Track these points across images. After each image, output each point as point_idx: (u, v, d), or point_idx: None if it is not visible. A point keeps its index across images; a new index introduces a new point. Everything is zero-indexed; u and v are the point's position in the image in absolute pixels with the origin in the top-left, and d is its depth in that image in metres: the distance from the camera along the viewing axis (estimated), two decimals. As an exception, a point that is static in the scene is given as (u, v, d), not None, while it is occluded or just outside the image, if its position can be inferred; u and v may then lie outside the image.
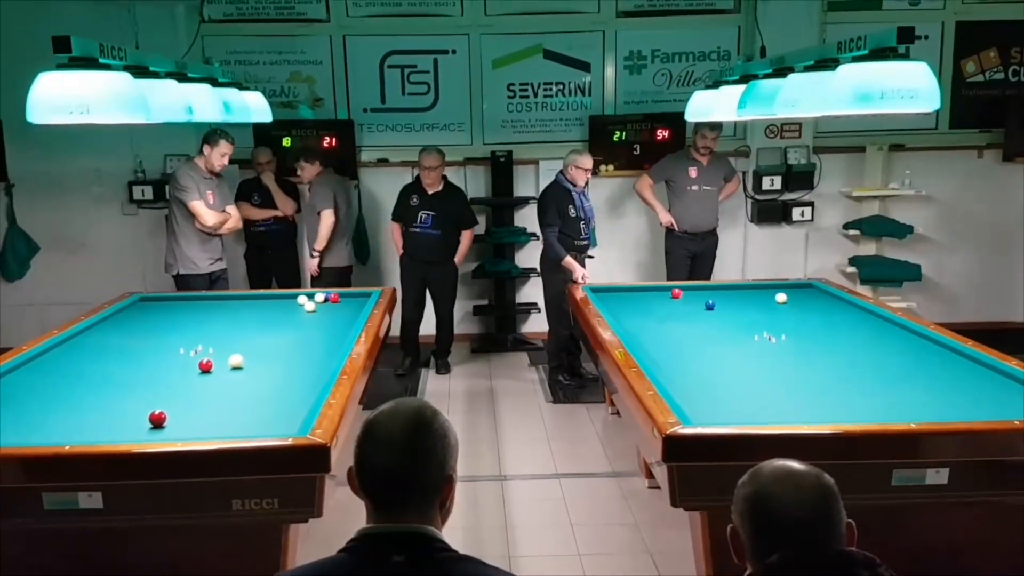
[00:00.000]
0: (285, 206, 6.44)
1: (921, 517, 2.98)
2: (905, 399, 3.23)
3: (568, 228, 5.98)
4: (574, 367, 6.21)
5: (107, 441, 2.80)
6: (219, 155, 5.65)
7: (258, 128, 6.57)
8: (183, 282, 5.76)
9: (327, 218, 6.08)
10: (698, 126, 6.25)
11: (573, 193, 5.98)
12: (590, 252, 6.29)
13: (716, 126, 6.24)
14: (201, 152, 5.73)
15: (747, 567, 1.58)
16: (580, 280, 5.72)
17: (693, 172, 6.40)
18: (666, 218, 6.42)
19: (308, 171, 6.18)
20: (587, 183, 6.06)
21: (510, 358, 6.92)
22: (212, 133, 5.65)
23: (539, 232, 6.20)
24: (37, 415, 3.15)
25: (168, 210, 5.89)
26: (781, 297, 4.91)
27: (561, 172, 6.03)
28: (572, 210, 5.97)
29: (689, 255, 6.46)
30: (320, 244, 6.09)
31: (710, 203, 6.46)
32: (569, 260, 5.87)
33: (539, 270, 6.36)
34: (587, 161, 5.97)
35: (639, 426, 3.28)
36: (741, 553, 1.59)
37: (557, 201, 5.97)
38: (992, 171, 7.16)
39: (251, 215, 6.33)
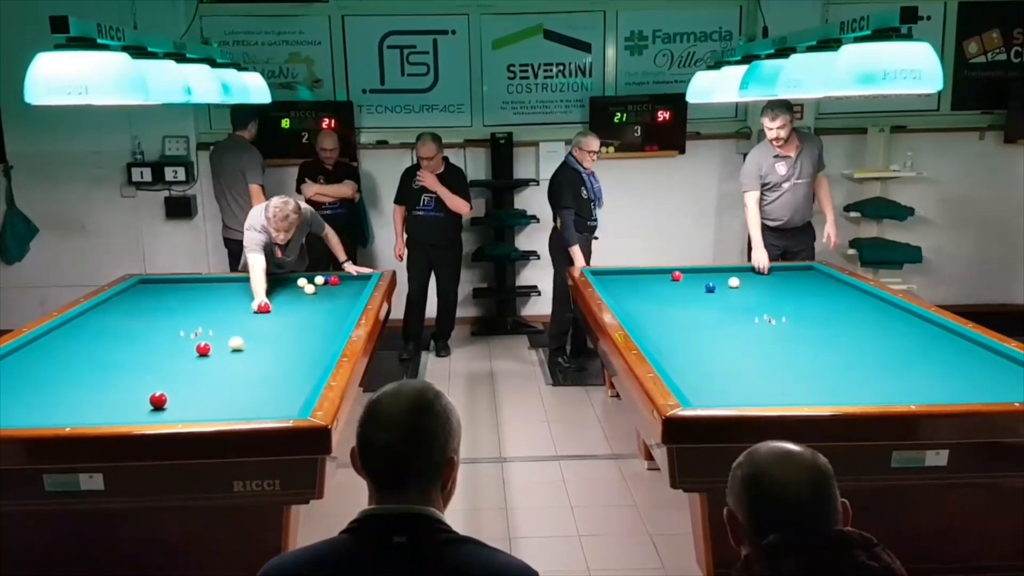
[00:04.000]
0: (347, 190, 6.49)
1: (920, 499, 2.99)
2: (905, 381, 3.24)
3: (581, 210, 5.97)
4: (581, 344, 6.19)
5: (108, 423, 2.81)
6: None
7: (257, 109, 6.53)
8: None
9: (332, 233, 5.53)
10: (763, 113, 5.50)
11: (583, 175, 5.98)
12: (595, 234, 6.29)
13: (778, 111, 5.36)
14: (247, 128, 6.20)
15: (744, 549, 1.59)
16: (576, 271, 5.68)
17: (782, 168, 5.55)
18: (761, 262, 5.40)
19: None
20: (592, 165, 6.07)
21: (510, 341, 6.92)
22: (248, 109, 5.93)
23: (556, 214, 6.07)
24: (37, 397, 3.16)
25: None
26: (734, 282, 4.93)
27: (570, 154, 6.04)
28: (584, 192, 5.97)
29: (778, 251, 5.69)
30: (346, 255, 5.56)
31: (802, 196, 5.63)
32: (576, 249, 5.82)
33: (549, 251, 6.29)
34: (593, 143, 5.96)
35: (639, 408, 3.28)
36: (738, 535, 1.59)
37: (570, 183, 5.94)
38: (994, 153, 7.14)
39: (320, 193, 6.31)
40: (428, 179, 6.15)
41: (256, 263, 4.78)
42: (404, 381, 1.68)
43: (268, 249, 4.93)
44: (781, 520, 1.52)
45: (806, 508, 1.53)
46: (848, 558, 1.48)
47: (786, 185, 5.55)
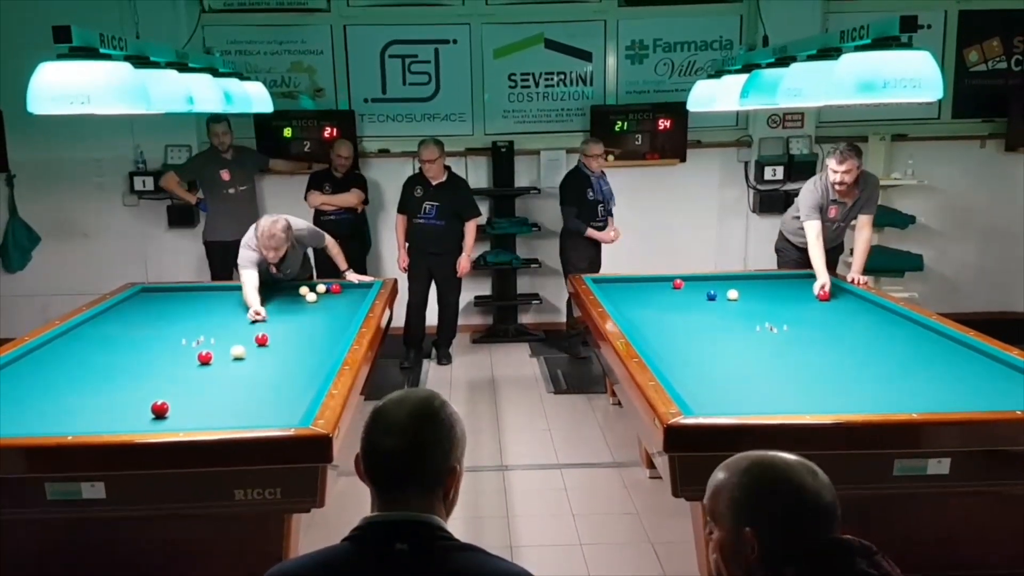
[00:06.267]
0: (352, 199, 6.50)
1: (922, 507, 2.99)
2: (907, 389, 3.24)
3: (586, 210, 6.34)
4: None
5: (109, 431, 2.81)
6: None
7: (259, 118, 6.56)
8: (208, 248, 6.44)
9: (333, 243, 5.45)
10: (830, 154, 5.09)
11: (592, 178, 6.34)
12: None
13: (847, 155, 4.93)
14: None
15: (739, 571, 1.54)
16: (612, 238, 6.40)
17: (832, 211, 5.20)
18: (824, 292, 4.84)
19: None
20: (602, 169, 6.42)
21: (511, 349, 6.92)
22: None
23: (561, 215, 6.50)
24: (39, 406, 3.16)
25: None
26: (732, 294, 4.86)
27: (580, 160, 6.43)
28: (590, 193, 6.34)
29: (803, 260, 5.38)
30: (347, 264, 5.50)
31: (837, 234, 5.44)
32: (592, 231, 6.33)
33: (560, 251, 6.61)
34: (592, 148, 6.32)
35: (640, 416, 3.28)
36: (746, 556, 1.52)
37: (575, 185, 6.36)
38: (994, 161, 7.15)
39: (326, 203, 6.40)
40: (464, 267, 6.35)
41: (248, 280, 4.74)
42: (410, 389, 1.69)
43: (263, 267, 4.88)
44: (817, 527, 1.49)
45: (833, 514, 1.51)
46: (849, 566, 1.47)
47: (827, 224, 5.23)
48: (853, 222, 5.35)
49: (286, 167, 6.78)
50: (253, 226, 4.94)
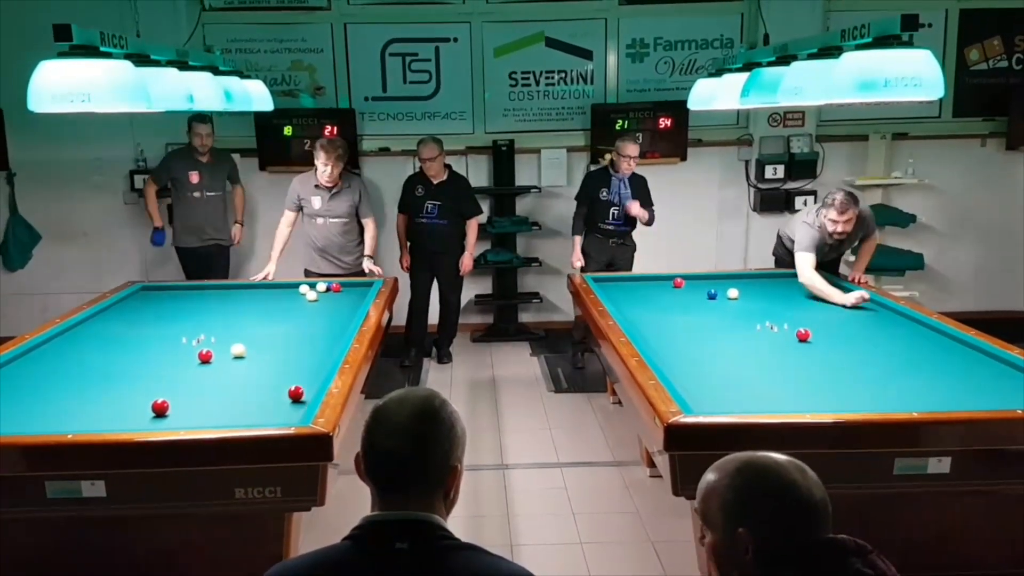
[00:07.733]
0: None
1: (922, 506, 2.99)
2: (907, 388, 3.24)
3: (595, 210, 6.21)
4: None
5: (110, 430, 2.81)
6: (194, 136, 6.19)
7: (259, 117, 6.55)
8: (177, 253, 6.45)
9: (373, 225, 5.89)
10: (825, 204, 4.87)
11: (613, 179, 6.17)
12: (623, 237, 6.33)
13: (846, 206, 4.76)
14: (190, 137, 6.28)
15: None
16: (572, 264, 6.18)
17: (826, 248, 5.09)
18: (850, 299, 4.63)
19: (334, 170, 5.72)
20: (632, 171, 6.17)
21: (512, 348, 6.92)
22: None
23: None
24: (39, 404, 3.16)
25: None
26: (733, 293, 4.86)
27: (613, 156, 6.27)
28: (604, 194, 6.17)
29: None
30: (372, 251, 5.88)
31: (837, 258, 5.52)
32: (575, 240, 6.25)
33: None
34: (625, 148, 6.10)
35: (641, 415, 3.28)
36: (737, 559, 1.52)
37: (589, 182, 6.31)
38: (995, 160, 7.14)
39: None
40: (467, 266, 6.37)
41: (282, 220, 5.84)
42: (410, 388, 1.69)
43: (304, 200, 5.72)
44: (811, 526, 1.49)
45: (825, 511, 1.51)
46: (844, 565, 1.47)
47: (819, 258, 5.09)
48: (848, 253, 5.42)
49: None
50: None
